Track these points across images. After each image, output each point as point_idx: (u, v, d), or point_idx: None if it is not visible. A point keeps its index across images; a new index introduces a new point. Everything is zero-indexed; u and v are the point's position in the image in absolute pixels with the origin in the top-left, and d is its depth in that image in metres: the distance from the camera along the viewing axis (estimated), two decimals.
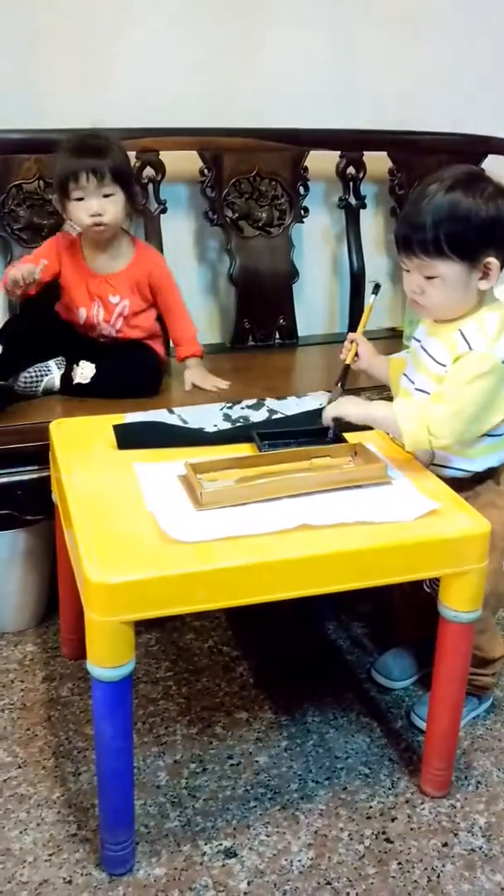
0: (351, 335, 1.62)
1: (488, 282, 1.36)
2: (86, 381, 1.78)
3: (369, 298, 1.65)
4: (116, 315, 1.85)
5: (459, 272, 1.34)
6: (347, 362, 1.59)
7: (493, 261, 1.34)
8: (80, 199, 1.75)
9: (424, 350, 1.44)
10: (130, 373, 1.82)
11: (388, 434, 1.48)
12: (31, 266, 1.74)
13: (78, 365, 1.79)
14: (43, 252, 1.84)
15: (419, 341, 1.47)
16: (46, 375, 1.77)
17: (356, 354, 1.60)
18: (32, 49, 1.94)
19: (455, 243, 1.32)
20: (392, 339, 2.20)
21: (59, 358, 1.81)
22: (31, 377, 1.76)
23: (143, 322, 1.89)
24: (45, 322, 1.88)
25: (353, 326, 2.34)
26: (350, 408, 1.43)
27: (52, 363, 1.78)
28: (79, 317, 1.86)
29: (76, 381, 1.78)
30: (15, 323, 1.90)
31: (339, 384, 1.59)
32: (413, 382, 1.46)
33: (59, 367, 1.79)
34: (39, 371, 1.76)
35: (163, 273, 1.89)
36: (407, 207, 1.39)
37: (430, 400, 1.38)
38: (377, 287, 1.64)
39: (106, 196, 1.75)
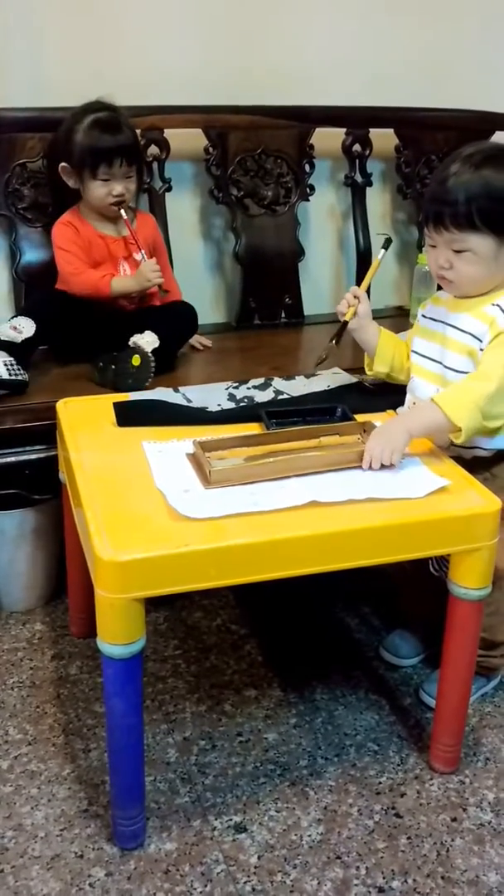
0: (355, 290, 1.55)
1: None
2: (156, 344, 1.73)
3: (379, 253, 1.61)
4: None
5: (490, 246, 1.35)
6: (347, 319, 1.53)
7: None
8: (107, 181, 1.78)
9: (453, 327, 1.42)
10: (176, 322, 1.87)
11: (431, 438, 1.40)
12: (151, 263, 1.81)
13: (142, 333, 1.74)
14: (71, 244, 1.83)
15: (440, 321, 1.45)
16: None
17: (355, 313, 1.54)
18: (37, 26, 1.92)
19: (488, 216, 1.32)
20: (399, 318, 2.19)
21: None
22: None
23: None
24: (76, 311, 1.82)
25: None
26: (403, 439, 1.31)
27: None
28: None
29: (149, 349, 1.70)
30: (47, 308, 1.81)
31: (334, 341, 1.55)
32: (440, 362, 1.44)
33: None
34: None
35: (158, 233, 1.99)
36: (434, 185, 1.39)
37: (471, 380, 1.35)
38: (388, 241, 1.60)
39: (128, 177, 1.81)
